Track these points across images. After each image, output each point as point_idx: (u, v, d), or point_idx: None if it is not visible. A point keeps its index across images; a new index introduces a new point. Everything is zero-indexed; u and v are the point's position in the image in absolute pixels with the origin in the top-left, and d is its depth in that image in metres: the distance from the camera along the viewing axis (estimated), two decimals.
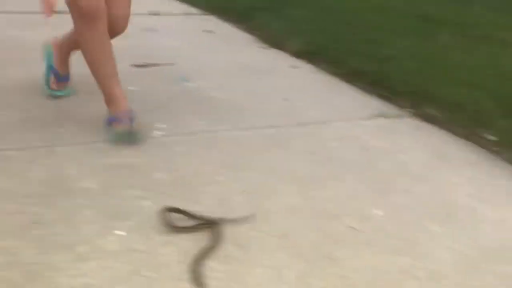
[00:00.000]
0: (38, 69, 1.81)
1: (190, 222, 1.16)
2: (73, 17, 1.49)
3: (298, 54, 2.70)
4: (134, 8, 1.65)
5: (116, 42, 1.60)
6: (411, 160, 1.65)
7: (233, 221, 1.15)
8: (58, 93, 1.79)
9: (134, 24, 1.75)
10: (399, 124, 1.97)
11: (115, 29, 1.59)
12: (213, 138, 1.66)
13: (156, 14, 3.27)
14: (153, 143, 1.55)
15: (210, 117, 1.81)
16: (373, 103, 2.16)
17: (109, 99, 1.55)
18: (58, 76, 1.78)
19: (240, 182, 1.38)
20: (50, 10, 1.36)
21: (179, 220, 1.15)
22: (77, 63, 1.72)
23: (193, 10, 3.66)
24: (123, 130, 1.50)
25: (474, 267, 1.12)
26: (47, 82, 1.78)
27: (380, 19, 3.51)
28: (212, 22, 3.33)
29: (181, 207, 1.17)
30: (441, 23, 3.53)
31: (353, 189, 1.41)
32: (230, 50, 2.74)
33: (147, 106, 1.79)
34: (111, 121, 1.52)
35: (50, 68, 1.77)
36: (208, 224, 1.14)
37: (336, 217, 1.25)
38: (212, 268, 1.01)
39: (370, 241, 1.17)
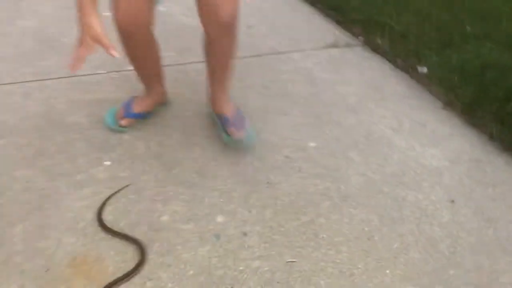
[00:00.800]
0: None
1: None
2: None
3: None
4: None
5: None
6: (349, 92, 1.95)
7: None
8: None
9: None
10: (348, 54, 2.24)
11: (214, 17, 1.30)
12: (182, 70, 1.92)
13: None
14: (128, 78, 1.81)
15: (179, 48, 2.04)
16: (330, 31, 2.40)
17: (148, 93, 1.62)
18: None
19: None
20: (77, 65, 1.19)
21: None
22: None
23: None
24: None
25: (377, 191, 1.50)
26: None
27: None
28: None
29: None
30: None
31: (295, 122, 1.73)
32: None
33: None
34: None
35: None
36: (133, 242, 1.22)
37: (276, 148, 1.60)
38: (178, 192, 1.37)
39: (300, 169, 1.53)
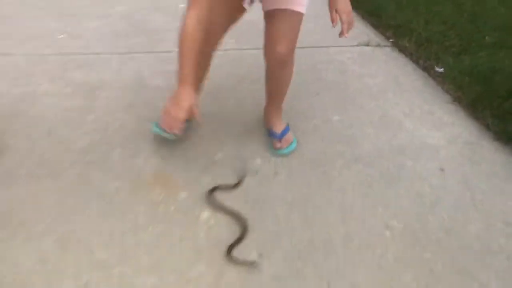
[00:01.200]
0: None
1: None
2: None
3: None
4: None
5: None
6: (374, 83, 2.36)
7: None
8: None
9: None
10: (378, 52, 2.64)
11: (273, 52, 1.62)
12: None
13: None
14: None
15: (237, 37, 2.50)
16: (365, 32, 2.80)
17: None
18: None
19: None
20: (173, 128, 1.48)
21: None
22: None
23: None
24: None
25: (383, 156, 1.90)
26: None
27: None
28: None
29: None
30: None
31: (324, 101, 2.16)
32: None
33: None
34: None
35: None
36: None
37: (308, 118, 2.03)
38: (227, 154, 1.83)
39: (324, 135, 1.95)
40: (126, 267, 1.33)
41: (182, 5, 1.63)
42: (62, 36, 2.40)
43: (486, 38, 2.70)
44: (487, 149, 2.02)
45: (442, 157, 1.93)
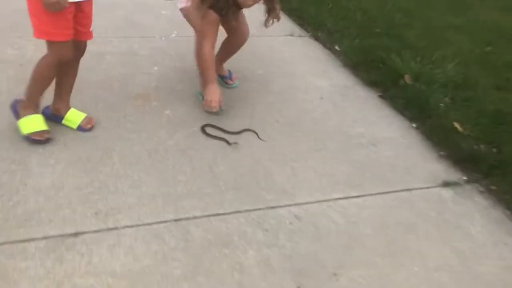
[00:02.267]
0: None
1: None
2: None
3: None
4: None
5: None
6: (291, 56, 3.49)
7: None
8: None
9: None
10: (299, 41, 3.78)
11: (241, 42, 2.77)
12: None
13: None
14: None
15: None
16: (289, 26, 3.95)
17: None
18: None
19: None
20: (216, 107, 2.53)
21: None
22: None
23: None
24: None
25: (285, 91, 2.99)
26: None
27: None
28: None
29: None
30: None
31: (254, 64, 3.26)
32: None
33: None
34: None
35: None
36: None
37: (242, 71, 3.13)
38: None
39: (252, 81, 3.05)
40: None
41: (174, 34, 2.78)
42: None
43: (377, 30, 3.85)
44: (356, 90, 3.13)
45: (324, 92, 3.04)
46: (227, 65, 2.97)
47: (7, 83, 2.68)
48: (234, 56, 2.90)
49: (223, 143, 2.44)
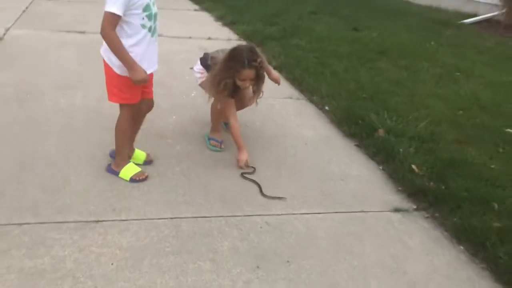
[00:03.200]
0: None
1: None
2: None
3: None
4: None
5: None
6: (287, 110, 4.17)
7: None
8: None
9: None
10: (297, 103, 4.49)
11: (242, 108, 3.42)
12: None
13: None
14: None
15: None
16: (290, 91, 4.69)
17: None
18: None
19: None
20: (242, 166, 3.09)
21: None
22: None
23: None
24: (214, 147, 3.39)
25: (278, 137, 3.64)
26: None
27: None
28: None
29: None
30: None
31: (256, 113, 3.96)
32: None
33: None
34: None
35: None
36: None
37: (250, 118, 3.82)
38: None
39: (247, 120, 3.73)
40: None
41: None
42: None
43: (364, 95, 4.53)
44: (337, 140, 3.76)
45: (308, 140, 3.68)
46: None
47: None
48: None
49: (218, 171, 3.08)
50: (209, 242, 2.41)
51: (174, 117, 3.83)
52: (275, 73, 3.50)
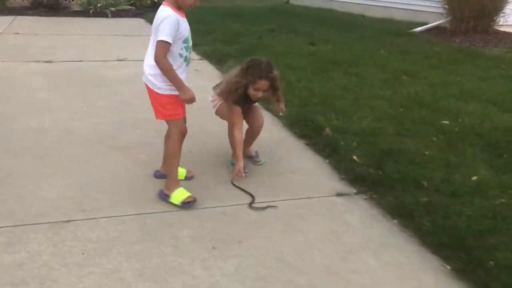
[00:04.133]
0: None
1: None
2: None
3: None
4: None
5: None
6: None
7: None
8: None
9: None
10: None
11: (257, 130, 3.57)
12: None
13: None
14: None
15: None
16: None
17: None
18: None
19: None
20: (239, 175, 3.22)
21: None
22: None
23: None
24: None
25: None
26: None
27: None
28: None
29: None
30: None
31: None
32: None
33: None
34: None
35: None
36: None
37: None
38: None
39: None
40: None
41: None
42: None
43: (314, 101, 4.94)
44: (288, 140, 4.13)
45: (262, 143, 4.02)
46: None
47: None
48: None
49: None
50: (172, 232, 2.73)
51: (137, 131, 4.16)
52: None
